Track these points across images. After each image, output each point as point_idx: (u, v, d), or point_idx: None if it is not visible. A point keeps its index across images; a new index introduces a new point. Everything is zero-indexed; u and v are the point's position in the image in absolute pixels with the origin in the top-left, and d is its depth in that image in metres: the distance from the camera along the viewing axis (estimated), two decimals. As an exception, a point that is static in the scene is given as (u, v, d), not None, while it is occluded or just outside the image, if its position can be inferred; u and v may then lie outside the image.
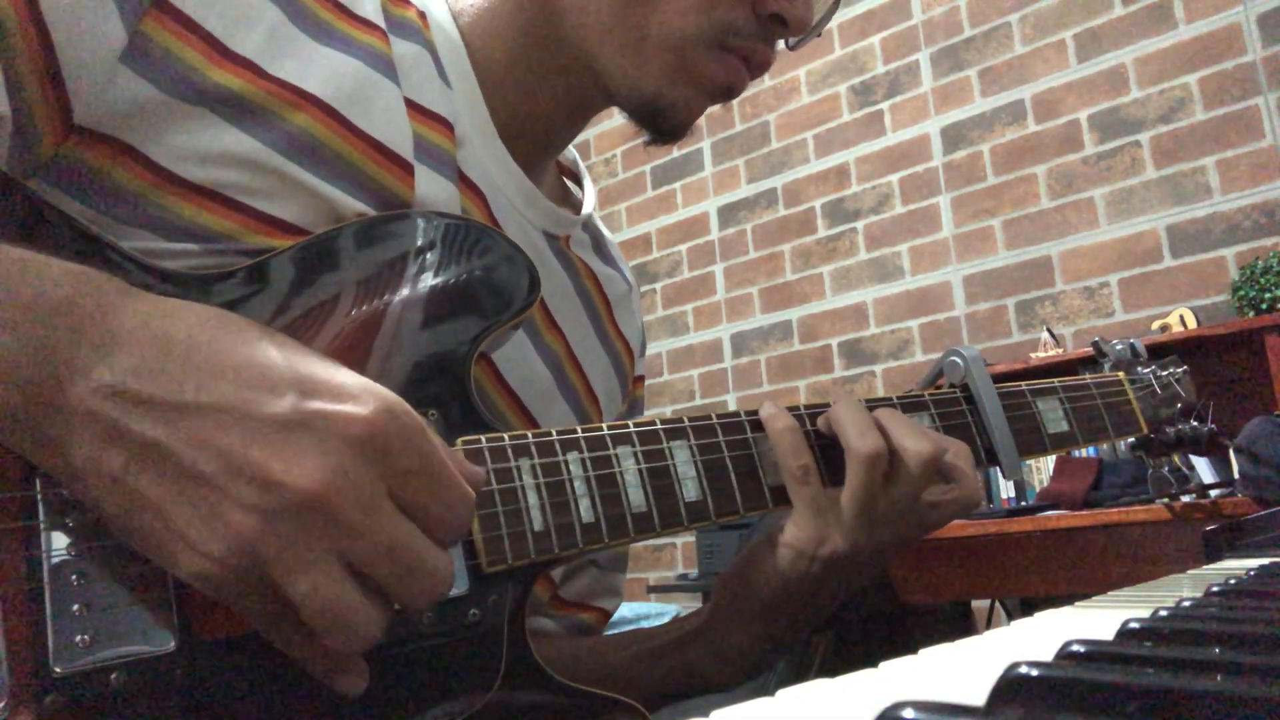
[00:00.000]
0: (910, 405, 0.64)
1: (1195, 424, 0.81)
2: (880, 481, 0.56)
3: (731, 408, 3.00)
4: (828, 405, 0.59)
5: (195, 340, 0.37)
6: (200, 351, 0.37)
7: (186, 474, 0.35)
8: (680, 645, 0.63)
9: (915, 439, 0.56)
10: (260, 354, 0.38)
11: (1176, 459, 0.83)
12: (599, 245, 0.75)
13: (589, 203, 0.73)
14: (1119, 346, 0.83)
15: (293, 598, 0.36)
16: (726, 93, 0.61)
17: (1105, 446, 2.39)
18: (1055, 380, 0.73)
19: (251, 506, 0.35)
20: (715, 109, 3.67)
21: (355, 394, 0.37)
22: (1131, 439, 0.79)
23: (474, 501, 0.40)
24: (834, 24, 3.40)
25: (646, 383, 3.72)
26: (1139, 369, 0.81)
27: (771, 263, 3.50)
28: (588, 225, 0.74)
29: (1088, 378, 0.76)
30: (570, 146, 0.73)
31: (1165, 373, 0.81)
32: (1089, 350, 0.87)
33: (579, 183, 0.76)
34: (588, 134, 4.12)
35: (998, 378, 0.69)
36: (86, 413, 0.36)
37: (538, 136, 0.65)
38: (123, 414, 0.35)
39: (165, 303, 0.39)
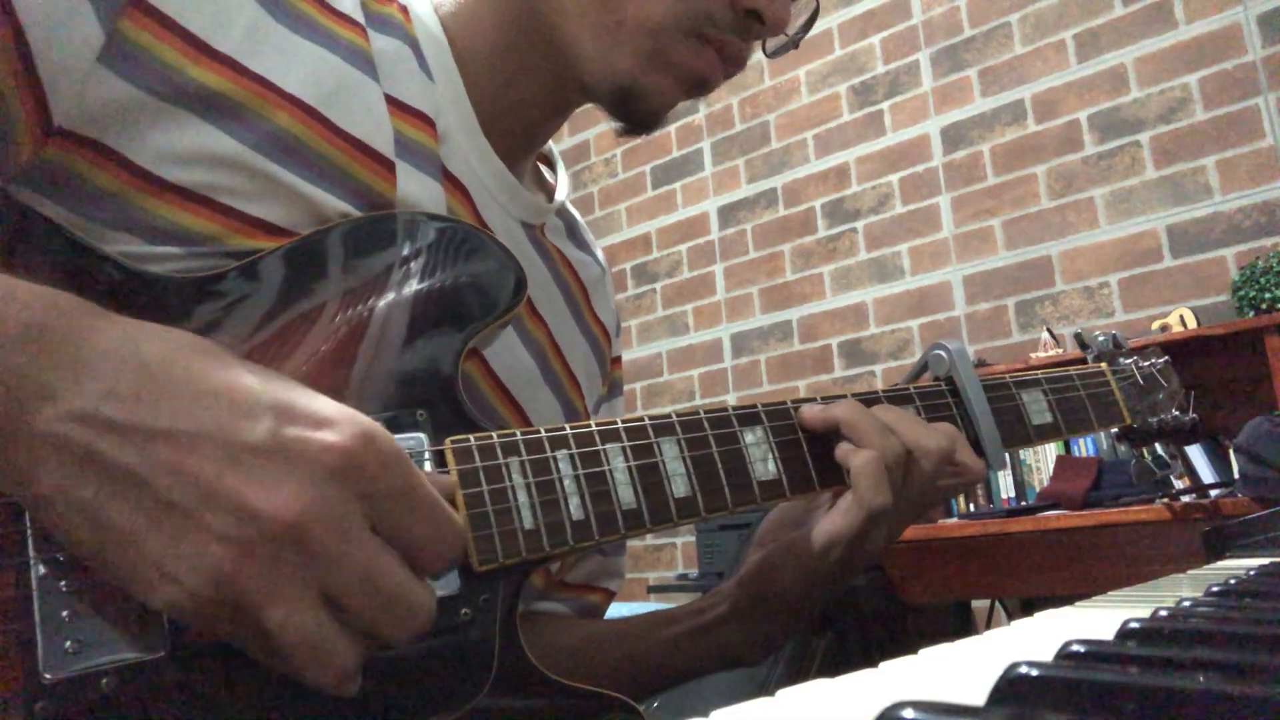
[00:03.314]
0: (896, 398, 0.64)
1: (1177, 413, 0.81)
2: (900, 480, 0.58)
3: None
4: (811, 400, 0.60)
5: (170, 365, 0.36)
6: (175, 376, 0.36)
7: (160, 503, 0.34)
8: (706, 632, 0.66)
9: (929, 437, 0.58)
10: (236, 379, 0.37)
11: (1161, 448, 0.83)
12: (572, 230, 0.76)
13: (562, 189, 0.73)
14: (1101, 338, 0.83)
15: (268, 629, 0.35)
16: (699, 85, 0.61)
17: (1105, 446, 2.39)
18: (1039, 372, 0.73)
19: (227, 536, 0.34)
20: (715, 109, 3.67)
21: (333, 421, 0.37)
22: (1115, 429, 0.79)
23: (461, 526, 0.40)
24: (834, 24, 3.40)
25: (646, 382, 3.74)
26: (1121, 360, 0.82)
27: (771, 263, 3.49)
28: (561, 211, 0.74)
29: (1071, 369, 0.76)
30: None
31: (1147, 363, 0.82)
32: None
33: (552, 167, 0.76)
34: (588, 134, 4.12)
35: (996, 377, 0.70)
36: (56, 439, 0.34)
37: (520, 129, 0.65)
38: (94, 440, 0.34)
39: (139, 326, 0.38)
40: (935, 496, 0.60)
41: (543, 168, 0.76)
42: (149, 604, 0.36)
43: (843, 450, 0.58)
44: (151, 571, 0.35)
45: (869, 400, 0.62)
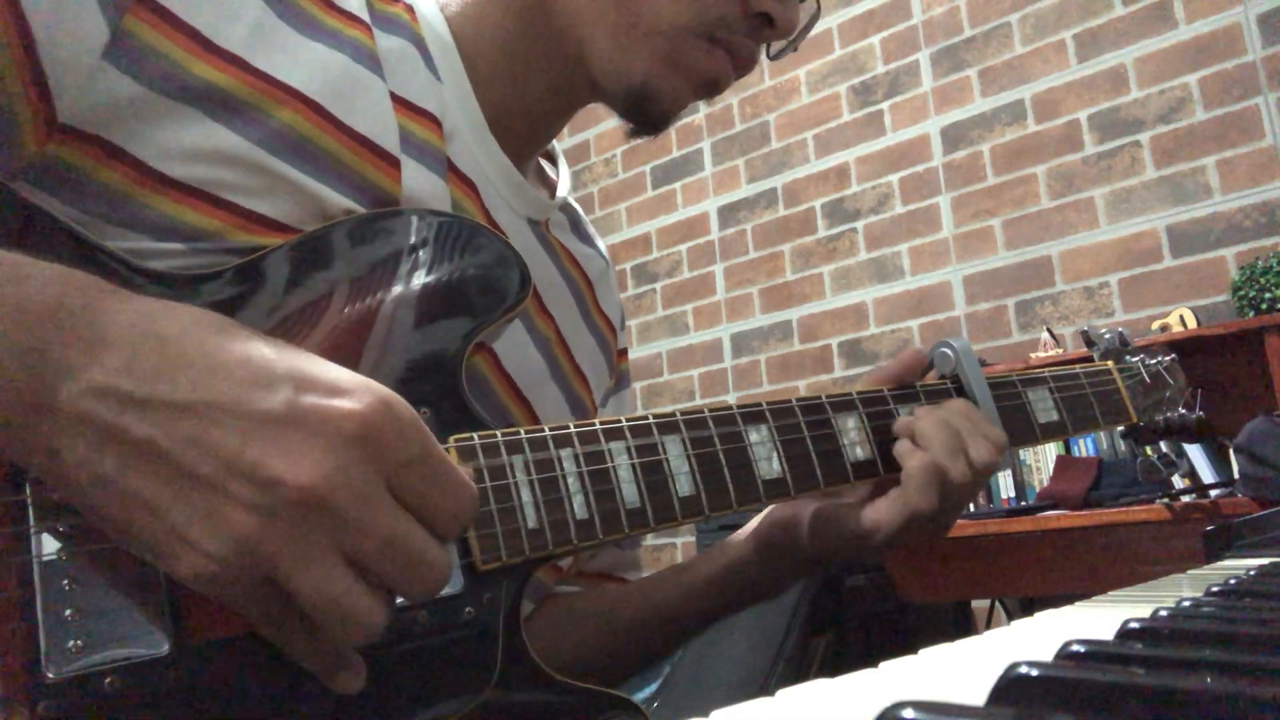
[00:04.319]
0: (902, 397, 0.64)
1: (1183, 411, 0.81)
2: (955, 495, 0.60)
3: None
4: (846, 396, 0.62)
5: (187, 338, 0.37)
6: (192, 349, 0.37)
7: (183, 474, 0.35)
8: (726, 574, 0.68)
9: (987, 451, 0.61)
10: (254, 351, 0.37)
11: (1165, 446, 0.84)
12: (576, 225, 0.77)
13: (564, 184, 0.74)
14: (1107, 336, 0.83)
15: (296, 594, 0.36)
16: (711, 86, 0.62)
17: (1105, 446, 2.39)
18: (1045, 370, 0.73)
19: (250, 505, 0.35)
20: (715, 109, 3.67)
21: (350, 389, 0.37)
22: (1121, 427, 0.79)
23: (475, 492, 0.40)
24: (834, 24, 3.40)
25: (646, 382, 3.74)
26: (1127, 358, 0.82)
27: (771, 263, 3.49)
28: (564, 206, 0.74)
29: (1077, 368, 0.76)
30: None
31: (1153, 361, 0.82)
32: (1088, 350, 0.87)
33: (554, 162, 0.77)
34: (588, 134, 4.12)
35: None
36: (78, 414, 0.35)
37: (526, 127, 0.65)
38: (115, 414, 0.35)
39: (155, 303, 0.38)
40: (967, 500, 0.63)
41: (544, 163, 0.76)
42: (176, 575, 0.36)
43: (901, 448, 0.60)
44: (176, 542, 0.35)
45: (875, 399, 0.63)
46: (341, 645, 0.38)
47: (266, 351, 0.38)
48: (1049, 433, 0.70)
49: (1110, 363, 0.80)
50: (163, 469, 0.35)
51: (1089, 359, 0.84)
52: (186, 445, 0.35)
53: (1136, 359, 0.82)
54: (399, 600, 0.40)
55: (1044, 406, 0.71)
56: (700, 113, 3.75)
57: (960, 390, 0.67)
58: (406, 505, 0.38)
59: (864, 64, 3.33)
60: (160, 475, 0.35)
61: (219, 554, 0.35)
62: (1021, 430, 0.69)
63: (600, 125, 4.07)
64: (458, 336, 0.50)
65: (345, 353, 0.48)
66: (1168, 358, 0.83)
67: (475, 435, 0.48)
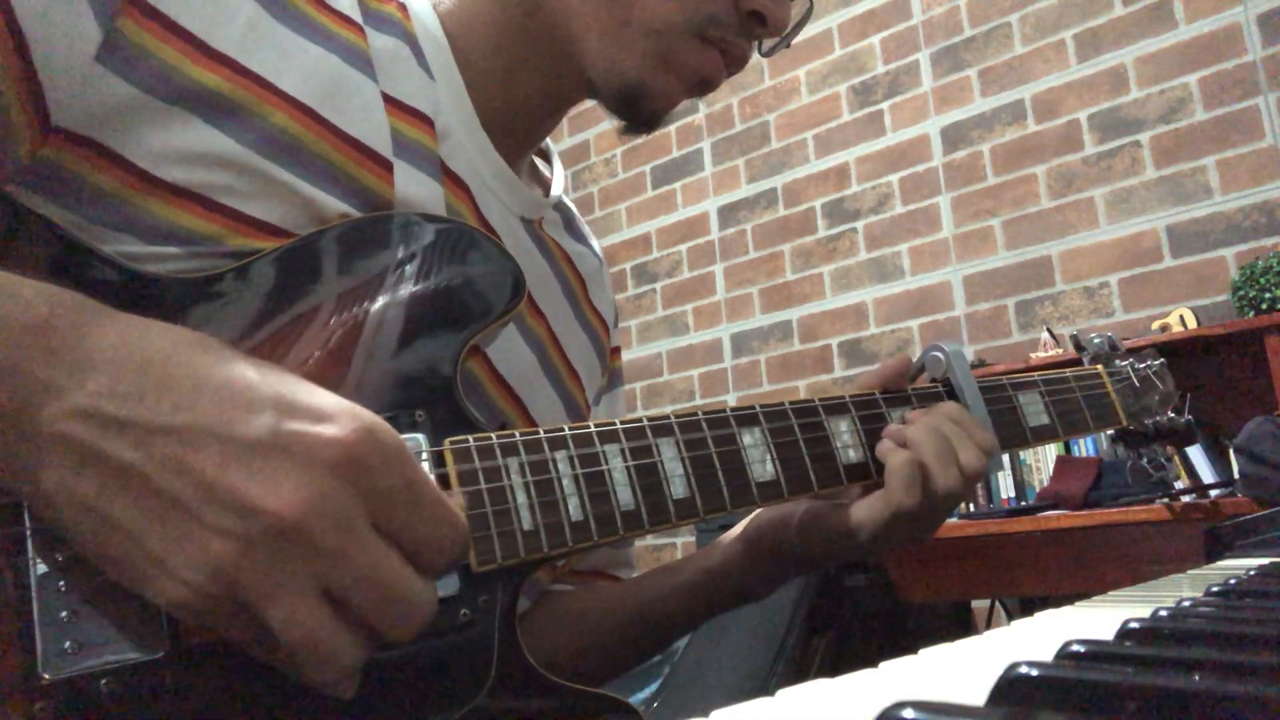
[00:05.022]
0: (894, 400, 0.64)
1: (1173, 415, 0.82)
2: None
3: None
4: (872, 396, 0.63)
5: (171, 361, 0.36)
6: (176, 372, 0.36)
7: (162, 499, 0.35)
8: (716, 575, 0.68)
9: (977, 458, 0.61)
10: (237, 374, 0.37)
11: (1156, 450, 0.84)
12: (569, 223, 0.77)
13: (559, 182, 0.74)
14: (1097, 340, 0.84)
15: (270, 626, 0.35)
16: (703, 85, 0.62)
17: (1105, 446, 2.39)
18: (1035, 373, 0.74)
19: (228, 533, 0.34)
20: (715, 109, 3.67)
21: (334, 415, 0.36)
22: (1111, 431, 0.80)
23: (465, 525, 0.39)
24: (834, 24, 3.40)
25: (646, 382, 3.74)
26: (1117, 362, 0.82)
27: (771, 263, 3.49)
28: (558, 204, 0.74)
29: (1067, 371, 0.76)
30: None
31: (1143, 365, 0.82)
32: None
33: (548, 160, 0.77)
34: (588, 134, 4.12)
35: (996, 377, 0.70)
36: (58, 436, 0.34)
37: (520, 126, 0.65)
38: (96, 437, 0.34)
39: (141, 323, 0.38)
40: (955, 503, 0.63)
41: (538, 161, 0.76)
42: (152, 600, 0.36)
43: (883, 448, 0.60)
44: (154, 568, 0.35)
45: (868, 401, 0.63)
46: (315, 680, 0.37)
47: (251, 374, 0.37)
48: (1039, 436, 0.71)
49: (1100, 366, 0.81)
50: (141, 493, 0.35)
51: (1081, 362, 0.85)
52: (166, 469, 0.35)
53: (1126, 363, 0.82)
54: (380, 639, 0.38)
55: (1034, 410, 0.71)
56: (700, 113, 3.76)
57: (951, 393, 0.67)
58: (390, 537, 0.37)
59: (864, 64, 3.33)
60: (139, 499, 0.35)
61: (194, 581, 0.34)
62: (1012, 433, 0.69)
63: (600, 125, 4.07)
64: (452, 341, 0.50)
65: (338, 356, 0.48)
66: (1156, 362, 0.83)
67: (470, 438, 0.47)
